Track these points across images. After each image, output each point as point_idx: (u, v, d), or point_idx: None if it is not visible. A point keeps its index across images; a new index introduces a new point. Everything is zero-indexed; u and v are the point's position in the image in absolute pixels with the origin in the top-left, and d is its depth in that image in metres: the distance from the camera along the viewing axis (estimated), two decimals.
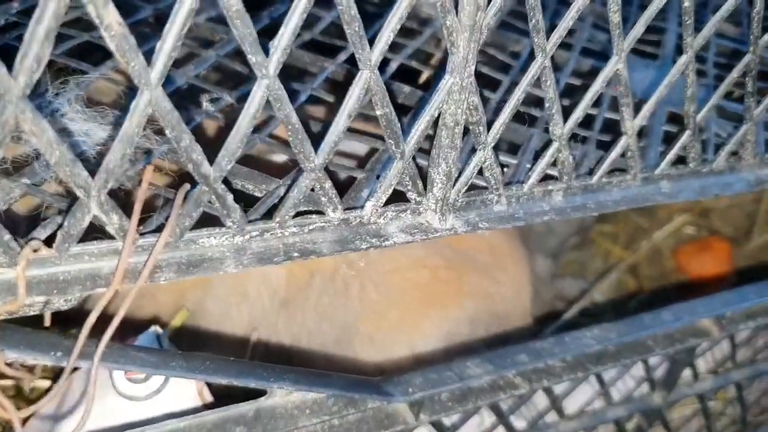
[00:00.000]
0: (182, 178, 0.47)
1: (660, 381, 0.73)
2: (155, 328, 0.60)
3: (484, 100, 0.63)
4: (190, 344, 0.72)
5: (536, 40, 0.43)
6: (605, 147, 0.58)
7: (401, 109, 0.61)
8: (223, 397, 0.59)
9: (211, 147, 0.50)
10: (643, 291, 1.12)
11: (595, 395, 0.71)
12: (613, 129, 0.58)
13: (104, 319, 0.40)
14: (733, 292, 0.68)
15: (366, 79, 0.39)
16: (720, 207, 1.23)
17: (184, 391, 0.56)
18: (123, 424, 0.48)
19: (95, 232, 0.39)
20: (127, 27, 0.32)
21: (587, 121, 0.58)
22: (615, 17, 0.45)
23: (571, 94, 0.68)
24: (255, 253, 0.42)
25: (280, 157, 0.55)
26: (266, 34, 0.37)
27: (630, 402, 0.73)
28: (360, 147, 0.55)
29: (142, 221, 0.40)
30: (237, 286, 0.71)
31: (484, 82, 0.66)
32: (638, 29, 0.46)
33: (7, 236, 0.36)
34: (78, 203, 0.37)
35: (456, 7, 0.39)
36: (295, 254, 0.43)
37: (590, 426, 0.70)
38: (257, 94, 0.37)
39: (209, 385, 0.58)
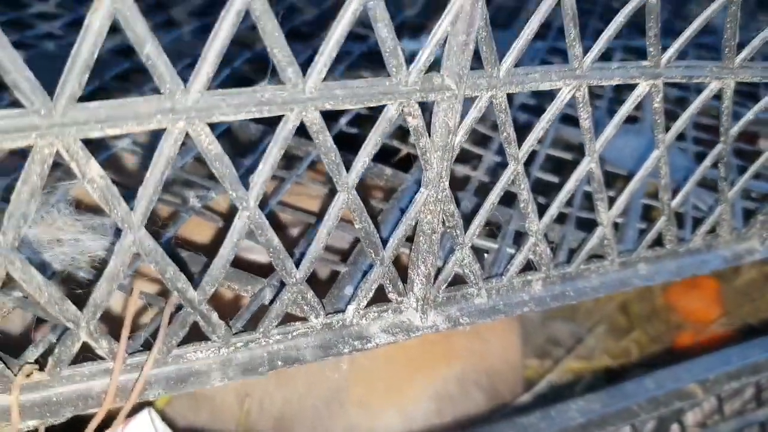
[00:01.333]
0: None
1: None
2: (149, 410, 0.62)
3: (465, 179, 0.64)
4: (184, 413, 0.74)
5: (509, 150, 0.45)
6: (585, 225, 0.60)
7: (388, 192, 0.63)
8: None
9: (200, 246, 0.51)
10: (634, 329, 1.14)
11: None
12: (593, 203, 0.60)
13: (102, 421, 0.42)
14: (715, 356, 0.69)
15: (344, 200, 0.41)
16: None
17: None
18: None
19: (85, 349, 0.41)
20: (108, 178, 0.34)
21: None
22: (585, 123, 0.46)
23: (553, 165, 0.69)
24: (240, 363, 0.44)
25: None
26: None
27: None
28: (342, 235, 0.56)
29: (129, 338, 0.42)
30: None
31: (465, 158, 0.67)
32: (609, 132, 0.48)
33: (1, 365, 0.38)
34: (68, 332, 0.38)
35: (428, 129, 0.41)
36: (279, 363, 0.44)
37: None
38: (238, 225, 0.38)
39: None
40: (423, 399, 0.77)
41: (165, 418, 0.67)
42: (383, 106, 0.39)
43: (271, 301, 0.44)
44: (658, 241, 0.57)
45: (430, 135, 0.41)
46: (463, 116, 0.42)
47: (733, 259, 0.60)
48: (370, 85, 0.37)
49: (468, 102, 0.42)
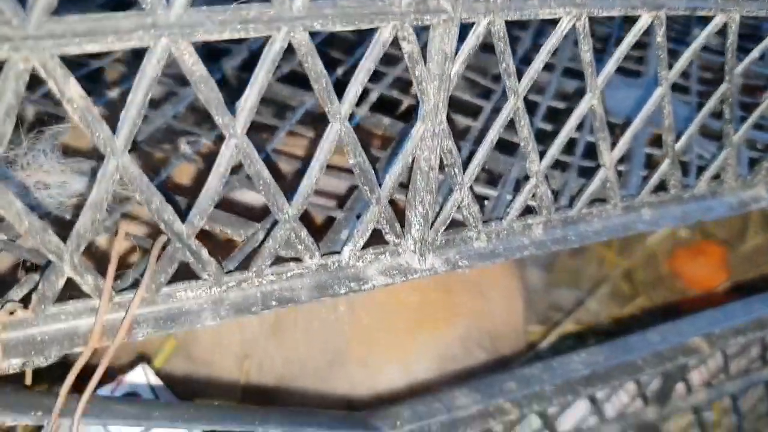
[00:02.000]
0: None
1: (653, 396, 0.74)
2: (143, 366, 0.61)
3: (465, 130, 0.63)
4: (182, 375, 0.72)
5: (508, 83, 0.43)
6: (586, 173, 0.58)
7: (386, 142, 0.62)
8: None
9: (190, 191, 0.50)
10: (639, 296, 1.12)
11: (589, 413, 0.71)
12: (596, 154, 0.58)
13: (88, 370, 0.40)
14: (720, 310, 0.68)
15: (336, 131, 0.40)
16: None
17: None
18: None
19: (72, 288, 0.39)
20: (89, 99, 0.32)
21: (568, 146, 0.58)
22: (586, 56, 0.45)
23: (554, 118, 0.68)
24: (232, 303, 0.42)
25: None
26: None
27: (624, 419, 0.73)
28: (338, 183, 0.55)
29: (117, 276, 0.40)
30: None
31: (465, 110, 0.66)
32: (611, 67, 0.46)
33: None
34: (51, 266, 0.37)
35: (424, 57, 0.40)
36: (273, 303, 0.43)
37: None
38: (226, 154, 0.37)
39: None
40: (425, 358, 0.75)
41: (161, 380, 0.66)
42: None
43: (263, 240, 0.43)
44: (663, 187, 0.55)
45: (425, 63, 0.40)
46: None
47: (738, 206, 0.58)
48: (361, 5, 0.36)
49: (466, 30, 0.40)
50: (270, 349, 0.74)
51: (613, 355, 0.62)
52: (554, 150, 0.48)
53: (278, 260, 0.44)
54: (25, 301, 0.39)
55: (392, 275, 0.47)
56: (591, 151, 0.61)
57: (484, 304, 0.80)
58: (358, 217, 0.47)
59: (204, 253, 0.40)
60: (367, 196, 0.43)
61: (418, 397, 0.56)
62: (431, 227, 0.47)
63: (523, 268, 0.92)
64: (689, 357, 0.67)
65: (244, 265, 0.43)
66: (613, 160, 0.51)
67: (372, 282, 0.46)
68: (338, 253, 0.45)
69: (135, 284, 0.41)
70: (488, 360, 0.79)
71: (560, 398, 0.60)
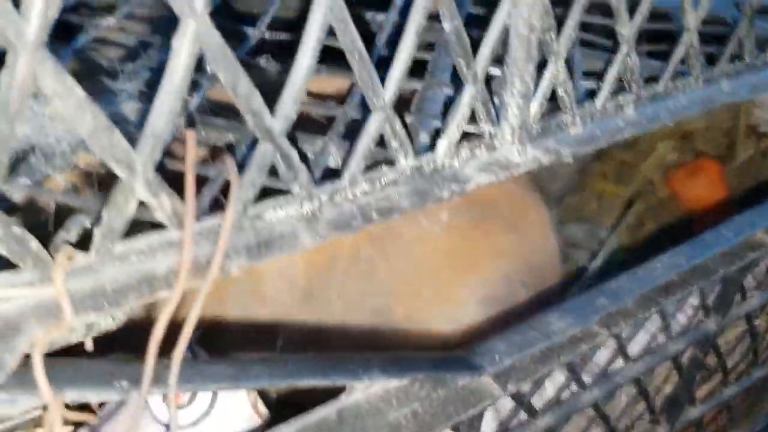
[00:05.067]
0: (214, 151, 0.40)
1: (714, 306, 0.69)
2: None
3: None
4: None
5: None
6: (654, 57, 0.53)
7: None
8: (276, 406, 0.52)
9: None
10: (645, 226, 1.09)
11: (656, 332, 0.66)
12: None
13: (144, 336, 0.32)
14: None
15: None
16: (699, 129, 1.21)
17: (236, 408, 0.48)
18: None
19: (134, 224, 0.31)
20: None
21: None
22: None
23: None
24: (329, 220, 0.35)
25: None
26: None
27: (687, 333, 0.68)
28: None
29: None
30: (253, 287, 0.63)
31: None
32: None
33: (34, 243, 0.28)
34: (118, 186, 0.29)
35: None
36: (374, 215, 0.36)
37: (652, 365, 0.66)
38: (317, 16, 0.30)
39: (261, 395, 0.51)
40: (472, 305, 0.69)
41: None
42: None
43: (352, 142, 0.35)
44: (739, 56, 0.51)
45: None
46: None
47: None
48: None
49: None
50: (303, 320, 0.66)
51: (694, 255, 0.57)
52: (644, 8, 0.42)
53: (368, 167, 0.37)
54: (80, 246, 0.31)
55: (493, 171, 0.40)
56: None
57: (520, 238, 0.74)
58: (447, 107, 0.41)
59: (295, 156, 0.33)
60: (462, 73, 0.37)
61: (509, 329, 0.50)
62: (529, 110, 0.40)
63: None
64: (755, 253, 0.63)
65: (334, 173, 0.36)
66: (698, 20, 0.46)
67: (474, 181, 0.39)
68: (431, 150, 0.38)
69: (214, 206, 0.33)
70: (532, 297, 0.74)
71: (641, 312, 0.55)
